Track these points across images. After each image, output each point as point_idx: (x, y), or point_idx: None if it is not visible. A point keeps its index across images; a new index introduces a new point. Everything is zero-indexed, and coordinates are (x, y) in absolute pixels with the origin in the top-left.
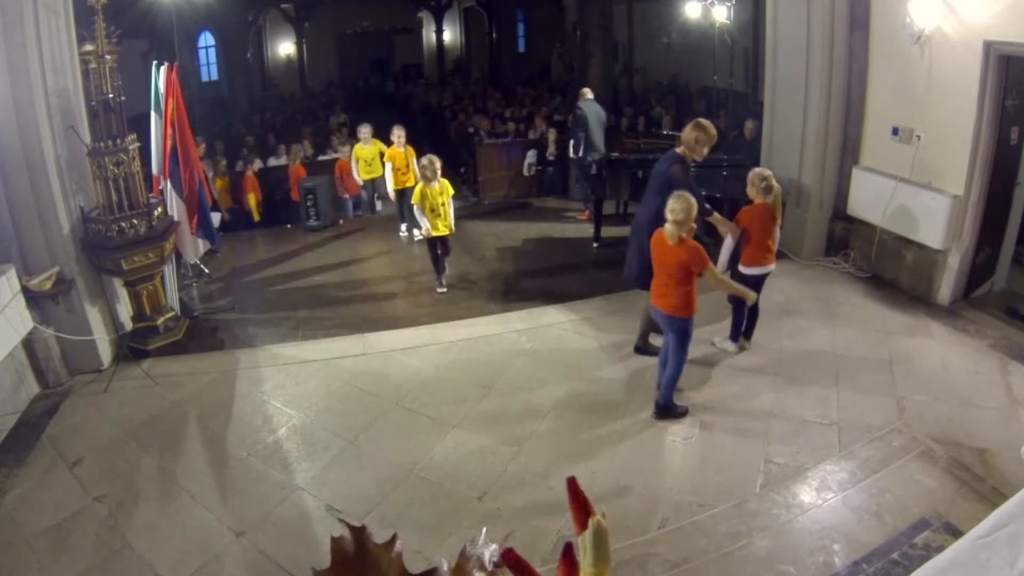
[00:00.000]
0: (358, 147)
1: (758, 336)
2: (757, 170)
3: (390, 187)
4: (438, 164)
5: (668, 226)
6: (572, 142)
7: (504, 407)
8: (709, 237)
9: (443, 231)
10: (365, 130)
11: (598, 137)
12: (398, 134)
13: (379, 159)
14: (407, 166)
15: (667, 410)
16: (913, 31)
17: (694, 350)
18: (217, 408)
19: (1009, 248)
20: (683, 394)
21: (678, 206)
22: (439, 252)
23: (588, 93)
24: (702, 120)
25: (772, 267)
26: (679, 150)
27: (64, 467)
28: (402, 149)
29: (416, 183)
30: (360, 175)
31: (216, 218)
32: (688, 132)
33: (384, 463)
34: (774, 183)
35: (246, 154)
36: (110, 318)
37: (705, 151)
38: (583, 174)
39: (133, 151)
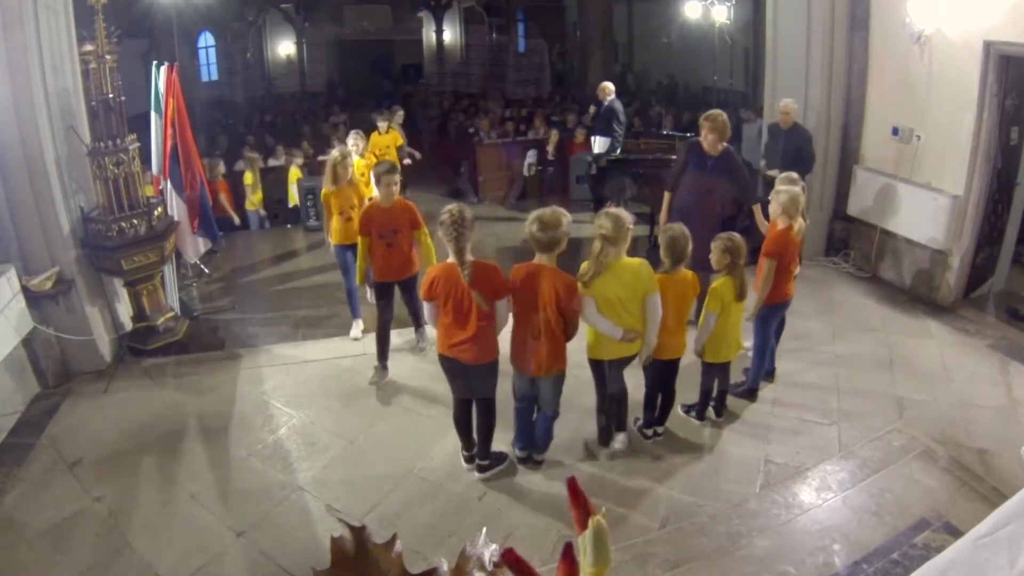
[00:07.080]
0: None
1: None
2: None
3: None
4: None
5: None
6: (603, 140)
7: (505, 407)
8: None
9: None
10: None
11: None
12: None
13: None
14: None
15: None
16: (913, 31)
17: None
18: (217, 408)
19: (1009, 248)
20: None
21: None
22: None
23: (612, 89)
24: (712, 111)
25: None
26: (699, 137)
27: (64, 467)
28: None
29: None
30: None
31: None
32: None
33: (384, 463)
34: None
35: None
36: (110, 318)
37: (711, 138)
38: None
39: (133, 151)
